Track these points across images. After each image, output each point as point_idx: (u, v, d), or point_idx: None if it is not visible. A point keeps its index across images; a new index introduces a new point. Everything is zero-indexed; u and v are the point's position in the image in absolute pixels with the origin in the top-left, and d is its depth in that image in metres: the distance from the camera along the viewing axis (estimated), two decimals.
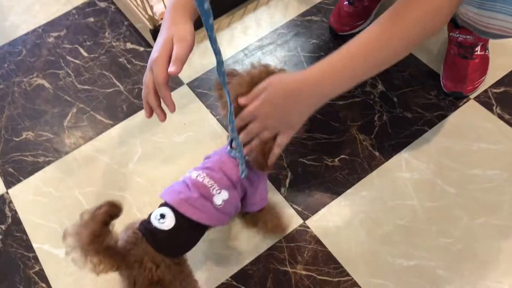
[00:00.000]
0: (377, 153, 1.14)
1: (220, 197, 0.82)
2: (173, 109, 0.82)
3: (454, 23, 1.20)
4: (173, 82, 1.33)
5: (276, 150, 0.83)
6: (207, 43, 1.40)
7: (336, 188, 1.10)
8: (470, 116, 1.17)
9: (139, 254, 0.76)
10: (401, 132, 1.17)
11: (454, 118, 1.18)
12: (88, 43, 1.45)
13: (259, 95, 0.79)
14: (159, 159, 1.20)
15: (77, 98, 1.33)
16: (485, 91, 1.21)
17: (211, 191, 0.82)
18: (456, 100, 1.20)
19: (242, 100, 0.80)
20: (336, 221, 1.06)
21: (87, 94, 1.34)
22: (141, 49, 1.42)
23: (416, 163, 1.12)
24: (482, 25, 0.93)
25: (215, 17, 1.44)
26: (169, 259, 0.79)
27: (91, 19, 1.52)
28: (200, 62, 1.36)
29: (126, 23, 1.49)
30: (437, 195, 1.07)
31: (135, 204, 1.13)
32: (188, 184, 0.83)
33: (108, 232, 0.71)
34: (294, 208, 1.08)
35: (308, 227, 1.05)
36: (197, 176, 0.84)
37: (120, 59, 1.40)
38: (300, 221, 1.07)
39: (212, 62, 1.36)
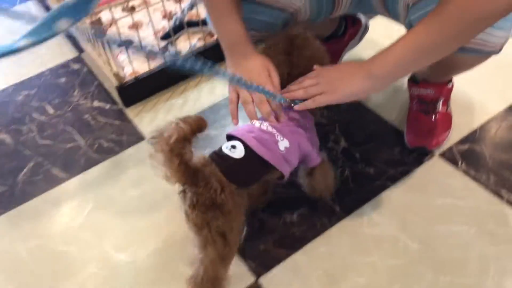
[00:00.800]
0: (337, 208, 1.09)
1: (283, 144, 0.87)
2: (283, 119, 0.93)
3: (414, 80, 1.20)
4: (135, 136, 1.31)
5: (309, 102, 0.89)
6: (172, 102, 1.40)
7: (293, 243, 1.03)
8: (434, 172, 1.13)
9: (207, 174, 0.77)
10: (363, 187, 1.12)
11: (418, 174, 1.14)
12: (56, 101, 1.46)
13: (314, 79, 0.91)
14: (111, 214, 1.14)
15: (36, 153, 1.31)
16: (450, 148, 1.18)
17: (276, 137, 0.88)
18: (420, 156, 1.17)
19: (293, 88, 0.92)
20: (291, 278, 0.98)
21: (47, 149, 1.31)
22: (108, 106, 1.42)
23: (378, 218, 1.06)
24: None
25: (183, 79, 1.46)
26: (233, 187, 0.80)
27: (63, 79, 1.53)
28: (164, 118, 1.35)
29: (96, 82, 1.50)
30: (399, 252, 0.99)
31: (80, 259, 1.05)
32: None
33: (189, 145, 0.73)
34: (247, 264, 1.00)
35: (261, 286, 0.97)
36: (260, 125, 0.89)
37: (85, 116, 1.39)
38: (253, 278, 0.98)
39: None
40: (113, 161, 1.26)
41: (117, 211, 1.15)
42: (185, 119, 0.71)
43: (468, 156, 1.15)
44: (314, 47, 0.95)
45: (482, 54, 0.95)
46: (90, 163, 1.26)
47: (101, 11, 1.67)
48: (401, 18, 1.01)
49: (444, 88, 1.16)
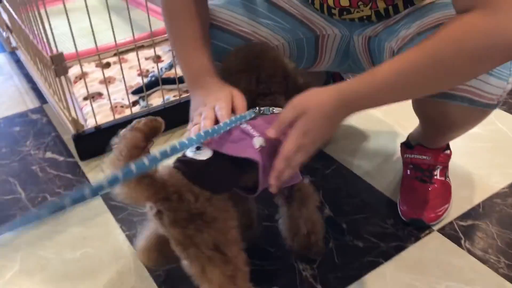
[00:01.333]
0: (319, 287, 0.88)
1: (258, 141, 0.72)
2: None
3: (407, 144, 1.08)
4: None
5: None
6: None
7: None
8: (434, 250, 0.96)
9: (177, 185, 0.66)
10: (350, 263, 0.93)
11: (415, 251, 0.96)
12: (3, 150, 1.28)
13: (293, 121, 0.70)
14: (38, 279, 0.92)
15: None
16: (450, 223, 1.01)
17: (250, 131, 0.74)
18: (416, 230, 1.00)
19: (271, 133, 0.71)
20: None
21: None
22: (61, 158, 1.24)
23: None
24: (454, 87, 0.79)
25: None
26: (209, 193, 0.68)
27: (17, 128, 1.37)
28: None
29: (53, 134, 1.34)
30: None
31: None
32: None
33: (146, 151, 0.63)
34: None
35: None
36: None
37: (33, 167, 1.21)
38: None
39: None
40: (54, 217, 1.06)
41: (46, 276, 0.92)
42: (134, 126, 0.62)
43: (472, 233, 0.99)
44: (276, 55, 0.86)
45: (477, 106, 0.81)
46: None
47: (71, 66, 1.57)
48: None
49: (441, 154, 1.03)
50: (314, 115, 0.69)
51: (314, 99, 0.70)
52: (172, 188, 0.66)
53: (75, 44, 1.15)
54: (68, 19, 1.10)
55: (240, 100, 0.78)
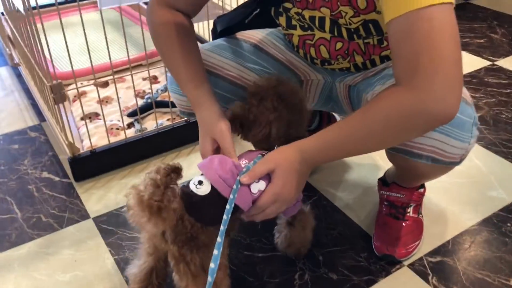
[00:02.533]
0: None
1: (257, 186, 0.81)
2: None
3: (383, 181, 1.14)
4: (79, 214, 1.19)
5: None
6: (126, 181, 1.30)
7: None
8: (403, 285, 1.02)
9: (179, 211, 0.76)
10: None
11: (385, 285, 1.02)
12: (2, 167, 1.34)
13: (265, 173, 0.81)
14: None
15: None
16: (420, 258, 1.08)
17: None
18: (388, 265, 1.06)
19: (245, 179, 0.80)
20: None
21: None
22: (57, 179, 1.31)
23: None
24: (415, 146, 0.85)
25: (144, 158, 1.37)
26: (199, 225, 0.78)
27: (16, 146, 1.44)
28: (115, 197, 1.24)
29: (50, 153, 1.40)
30: None
31: None
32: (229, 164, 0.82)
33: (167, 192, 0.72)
34: None
35: None
36: (240, 161, 0.85)
37: (30, 187, 1.27)
38: None
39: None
40: (48, 239, 1.12)
41: None
42: (158, 170, 0.72)
43: (440, 270, 1.05)
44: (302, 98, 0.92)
45: (441, 164, 0.88)
46: (22, 239, 1.12)
47: (69, 84, 1.64)
48: None
49: (414, 193, 1.09)
50: (284, 170, 0.79)
51: (282, 156, 0.80)
52: (178, 214, 0.75)
53: (72, 67, 1.20)
54: (66, 42, 1.14)
55: (227, 143, 0.86)
